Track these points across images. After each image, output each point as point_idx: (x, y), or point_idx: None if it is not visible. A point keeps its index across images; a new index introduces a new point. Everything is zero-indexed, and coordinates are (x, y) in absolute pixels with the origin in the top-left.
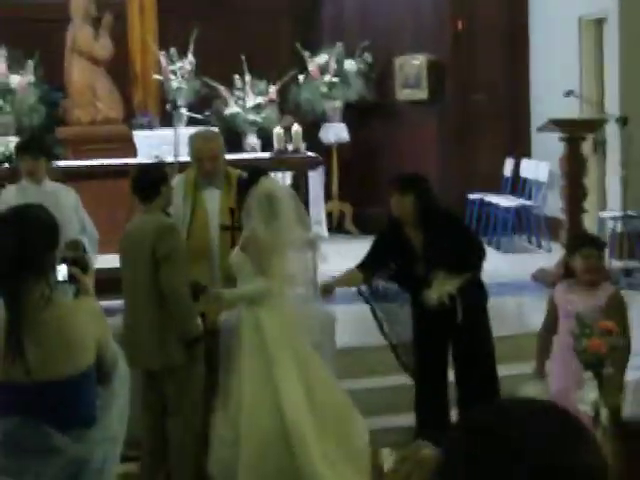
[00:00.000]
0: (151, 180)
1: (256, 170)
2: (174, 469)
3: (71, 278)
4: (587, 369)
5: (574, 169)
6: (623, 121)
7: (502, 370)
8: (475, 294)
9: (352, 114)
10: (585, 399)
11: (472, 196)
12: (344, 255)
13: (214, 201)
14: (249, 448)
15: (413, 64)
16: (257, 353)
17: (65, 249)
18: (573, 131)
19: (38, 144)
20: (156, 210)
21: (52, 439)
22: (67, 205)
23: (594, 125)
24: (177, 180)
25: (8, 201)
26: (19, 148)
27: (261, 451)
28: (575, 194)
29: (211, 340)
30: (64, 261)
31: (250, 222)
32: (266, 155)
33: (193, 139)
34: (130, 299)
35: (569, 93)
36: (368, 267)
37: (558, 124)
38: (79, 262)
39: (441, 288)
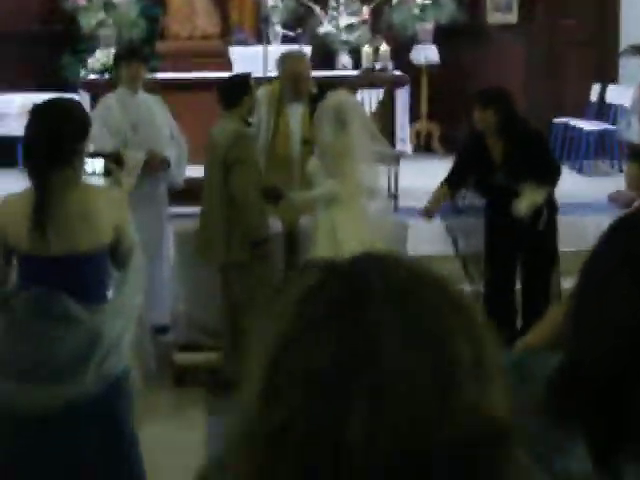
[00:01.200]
0: (233, 89)
1: (325, 84)
2: (225, 359)
3: (107, 172)
4: None
5: None
6: None
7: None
8: (552, 208)
9: (443, 36)
10: None
11: (557, 120)
12: (429, 173)
13: (297, 115)
14: None
15: None
16: (330, 253)
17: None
18: None
19: (141, 51)
20: (236, 118)
21: (72, 309)
22: (160, 114)
23: None
24: (261, 92)
25: (110, 108)
26: (124, 53)
27: None
28: None
29: (290, 242)
30: (102, 156)
31: (320, 132)
32: (354, 73)
33: (285, 59)
34: (205, 199)
35: None
36: (452, 182)
37: (637, 49)
38: (115, 157)
39: (531, 198)
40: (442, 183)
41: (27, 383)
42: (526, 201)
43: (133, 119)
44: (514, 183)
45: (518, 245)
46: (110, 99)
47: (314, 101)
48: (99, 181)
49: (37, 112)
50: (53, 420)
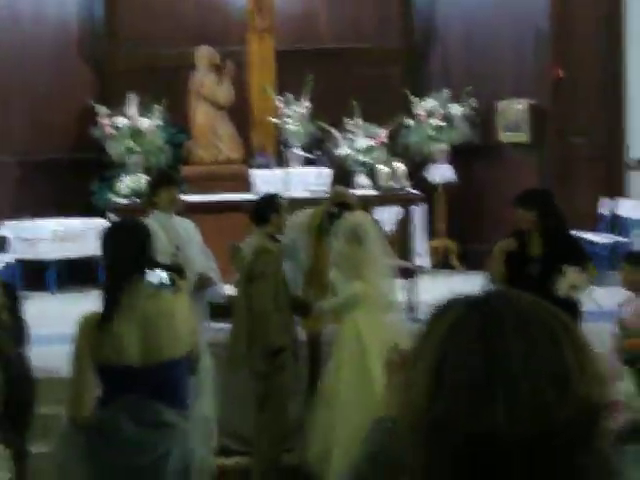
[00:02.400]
0: (262, 207)
1: (342, 203)
2: (253, 463)
3: (172, 282)
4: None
5: None
6: None
7: None
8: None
9: (457, 156)
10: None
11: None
12: (448, 287)
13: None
14: (345, 431)
15: (515, 108)
16: (356, 357)
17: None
18: None
19: (171, 176)
20: (263, 234)
21: (164, 414)
22: (195, 234)
23: None
24: (301, 218)
25: (153, 231)
26: (163, 180)
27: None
28: None
29: (313, 351)
30: (164, 267)
31: (337, 245)
32: (373, 192)
33: (334, 190)
34: (234, 309)
35: None
36: None
37: None
38: (176, 268)
39: (573, 279)
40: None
41: None
42: (568, 281)
43: (174, 241)
44: (550, 275)
45: None
46: (150, 223)
47: (331, 218)
48: (163, 289)
49: (115, 231)
50: None
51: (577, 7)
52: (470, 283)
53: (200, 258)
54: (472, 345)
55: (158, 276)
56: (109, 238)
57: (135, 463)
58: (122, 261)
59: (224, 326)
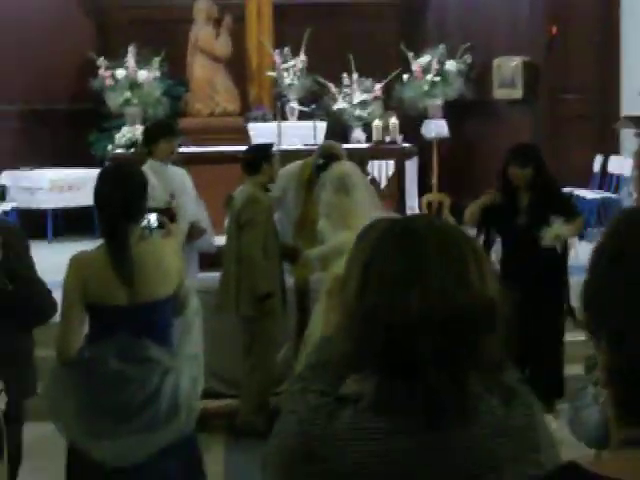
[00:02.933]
0: (254, 157)
1: (330, 155)
2: (241, 405)
3: (160, 225)
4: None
5: None
6: None
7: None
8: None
9: (452, 111)
10: None
11: (563, 190)
12: None
13: None
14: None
15: (509, 65)
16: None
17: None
18: None
19: (171, 128)
20: (254, 184)
21: (151, 350)
22: (188, 184)
23: None
24: (294, 167)
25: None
26: (163, 131)
27: None
28: None
29: (301, 299)
30: (156, 211)
31: (325, 195)
32: (366, 146)
33: (323, 145)
34: (224, 256)
35: None
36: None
37: (631, 120)
38: (168, 213)
39: (558, 230)
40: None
41: (122, 436)
42: (553, 231)
43: (169, 189)
44: (537, 225)
45: (529, 292)
46: (145, 171)
47: (319, 170)
48: (155, 232)
49: (108, 176)
50: (146, 466)
51: None
52: None
53: (193, 207)
54: (393, 251)
55: (148, 219)
56: (103, 182)
57: (122, 398)
58: (115, 205)
59: (214, 275)
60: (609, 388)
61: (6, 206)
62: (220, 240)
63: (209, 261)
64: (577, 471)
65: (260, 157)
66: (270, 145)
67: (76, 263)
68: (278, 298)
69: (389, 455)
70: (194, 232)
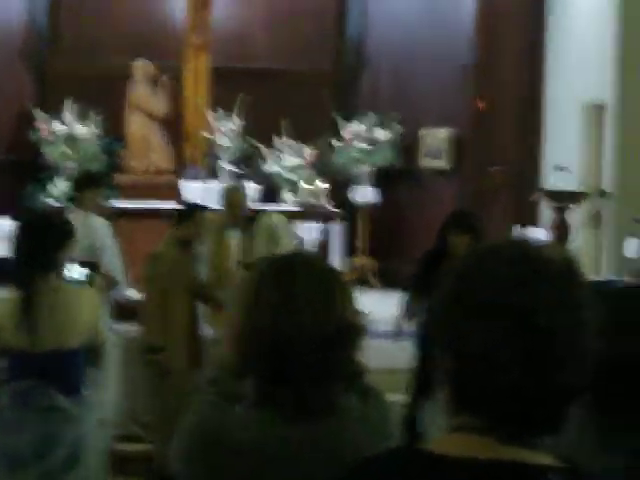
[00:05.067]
0: (179, 213)
1: (258, 210)
2: (155, 448)
3: (88, 278)
4: None
5: (559, 235)
6: (602, 194)
7: None
8: None
9: (380, 178)
10: None
11: None
12: (366, 303)
13: (235, 240)
14: None
15: (437, 136)
16: None
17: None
18: (560, 201)
19: (98, 180)
20: (171, 238)
21: (55, 399)
22: (108, 235)
23: (579, 197)
24: (209, 219)
25: None
26: (87, 182)
27: None
28: None
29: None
30: (81, 264)
31: (256, 246)
32: (295, 208)
33: (225, 190)
34: None
35: (560, 168)
36: (418, 288)
37: (547, 194)
38: (93, 265)
39: None
40: (410, 295)
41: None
42: None
43: (91, 240)
44: None
45: None
46: (70, 219)
47: (249, 221)
48: (80, 286)
49: (21, 226)
50: None
51: (500, 42)
52: (387, 300)
53: (108, 257)
54: (272, 282)
55: (77, 271)
56: (17, 232)
57: (16, 445)
58: (24, 255)
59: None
60: (445, 386)
61: None
62: (132, 293)
63: (124, 311)
64: (413, 449)
65: (184, 212)
66: (196, 205)
67: None
68: (178, 353)
69: (266, 441)
70: (108, 282)
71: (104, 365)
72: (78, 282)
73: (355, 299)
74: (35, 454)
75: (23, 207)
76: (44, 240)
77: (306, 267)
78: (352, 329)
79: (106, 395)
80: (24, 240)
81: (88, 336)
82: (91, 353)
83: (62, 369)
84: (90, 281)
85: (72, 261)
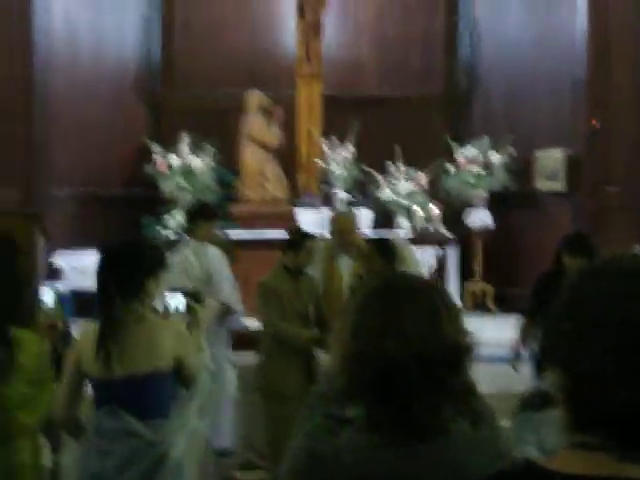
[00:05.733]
0: (288, 240)
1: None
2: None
3: (188, 309)
4: None
5: None
6: None
7: None
8: None
9: (496, 202)
10: None
11: None
12: (483, 328)
13: (346, 267)
14: None
15: (552, 157)
16: None
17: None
18: None
19: (211, 211)
20: (279, 266)
21: (131, 424)
22: (224, 265)
23: None
24: (319, 246)
25: (187, 258)
26: (204, 212)
27: None
28: None
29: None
30: (184, 293)
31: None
32: (410, 234)
33: (334, 217)
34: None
35: None
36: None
37: None
38: (196, 295)
39: None
40: (525, 319)
41: None
42: None
43: (206, 269)
44: None
45: None
46: (185, 250)
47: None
48: (180, 317)
49: (107, 251)
50: None
51: (614, 58)
52: (504, 325)
53: (227, 287)
54: (376, 305)
55: (177, 300)
56: (108, 259)
57: (97, 470)
58: (101, 284)
59: (249, 354)
60: (563, 403)
61: (62, 287)
62: (250, 321)
63: (243, 341)
64: (531, 466)
65: (291, 240)
66: (307, 234)
67: (78, 336)
68: (294, 380)
69: (378, 463)
70: (225, 311)
71: (197, 394)
72: (178, 313)
73: (462, 319)
74: (116, 478)
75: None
76: (127, 268)
77: (410, 287)
78: (460, 350)
79: (196, 422)
80: (107, 267)
81: (168, 365)
82: (181, 380)
83: (138, 395)
84: (191, 311)
85: (174, 291)
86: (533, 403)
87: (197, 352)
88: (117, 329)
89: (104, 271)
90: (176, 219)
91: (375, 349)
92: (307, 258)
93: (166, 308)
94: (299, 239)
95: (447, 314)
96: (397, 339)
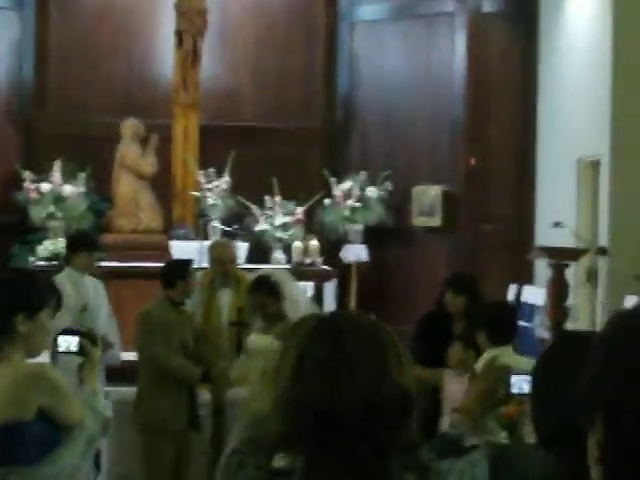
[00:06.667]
0: (170, 271)
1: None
2: None
3: (81, 350)
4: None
5: (556, 293)
6: (602, 252)
7: None
8: None
9: (372, 237)
10: None
11: None
12: None
13: (226, 297)
14: None
15: (429, 193)
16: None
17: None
18: (557, 258)
19: (93, 240)
20: (165, 298)
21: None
22: (103, 296)
23: (576, 253)
24: (198, 276)
25: (62, 288)
26: (83, 243)
27: None
28: (557, 315)
29: (218, 418)
30: (76, 333)
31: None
32: (286, 266)
33: (213, 245)
34: None
35: (557, 224)
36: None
37: (545, 251)
38: (89, 335)
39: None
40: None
41: None
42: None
43: (83, 299)
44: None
45: None
46: (61, 279)
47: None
48: (73, 359)
49: None
50: None
51: (492, 97)
52: None
53: (104, 320)
54: (321, 345)
55: (67, 342)
56: None
57: None
58: None
59: (127, 388)
60: (602, 463)
61: None
62: (126, 355)
63: (117, 375)
64: None
65: (176, 273)
66: (188, 262)
67: None
68: (177, 415)
69: None
70: (103, 345)
71: (76, 439)
72: (69, 354)
73: (409, 361)
74: None
75: (7, 267)
76: None
77: (356, 326)
78: (408, 397)
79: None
80: None
81: (33, 415)
82: (57, 425)
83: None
84: (83, 352)
85: (66, 332)
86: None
87: (90, 396)
88: None
89: None
90: (48, 248)
91: (319, 392)
92: (190, 288)
93: (55, 350)
94: (181, 270)
95: (395, 356)
96: (344, 382)
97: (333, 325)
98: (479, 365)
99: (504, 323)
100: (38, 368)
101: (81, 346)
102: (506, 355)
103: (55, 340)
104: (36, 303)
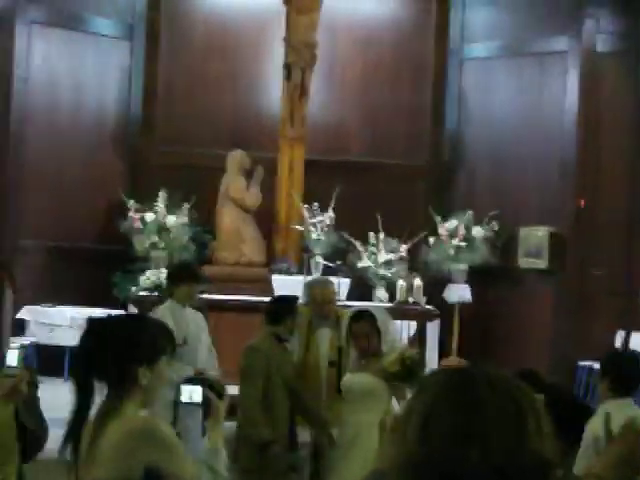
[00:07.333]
0: (278, 307)
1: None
2: None
3: (205, 401)
4: None
5: None
6: None
7: None
8: None
9: (476, 276)
10: None
11: (582, 363)
12: None
13: (324, 338)
14: None
15: (536, 235)
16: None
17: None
18: None
19: (195, 272)
20: (270, 334)
21: None
22: (204, 330)
23: None
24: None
25: (164, 320)
26: (188, 273)
27: None
28: None
29: (317, 460)
30: (201, 383)
31: None
32: (389, 305)
33: (312, 284)
34: None
35: None
36: None
37: None
38: (216, 387)
39: None
40: None
41: None
42: None
43: (184, 333)
44: None
45: None
46: (162, 311)
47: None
48: (197, 412)
49: (88, 323)
50: None
51: (603, 138)
52: None
53: (204, 354)
54: (453, 405)
55: (190, 391)
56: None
57: None
58: (76, 361)
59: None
60: None
61: (25, 340)
62: (232, 389)
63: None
64: None
65: (284, 309)
66: (295, 298)
67: None
68: (281, 450)
69: None
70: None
71: None
72: (193, 405)
73: (549, 426)
74: None
75: (122, 299)
76: (100, 345)
77: (491, 384)
78: (547, 467)
79: None
80: (82, 339)
81: (137, 474)
82: None
83: None
84: (209, 405)
85: (190, 381)
86: None
87: (211, 455)
88: (93, 422)
89: (78, 345)
90: (149, 278)
91: (449, 457)
92: (295, 326)
93: (177, 399)
94: (289, 306)
95: (534, 420)
96: (476, 448)
97: (465, 384)
98: (597, 420)
99: (628, 374)
100: (150, 423)
101: (205, 397)
102: (627, 409)
103: (178, 389)
104: (156, 352)
